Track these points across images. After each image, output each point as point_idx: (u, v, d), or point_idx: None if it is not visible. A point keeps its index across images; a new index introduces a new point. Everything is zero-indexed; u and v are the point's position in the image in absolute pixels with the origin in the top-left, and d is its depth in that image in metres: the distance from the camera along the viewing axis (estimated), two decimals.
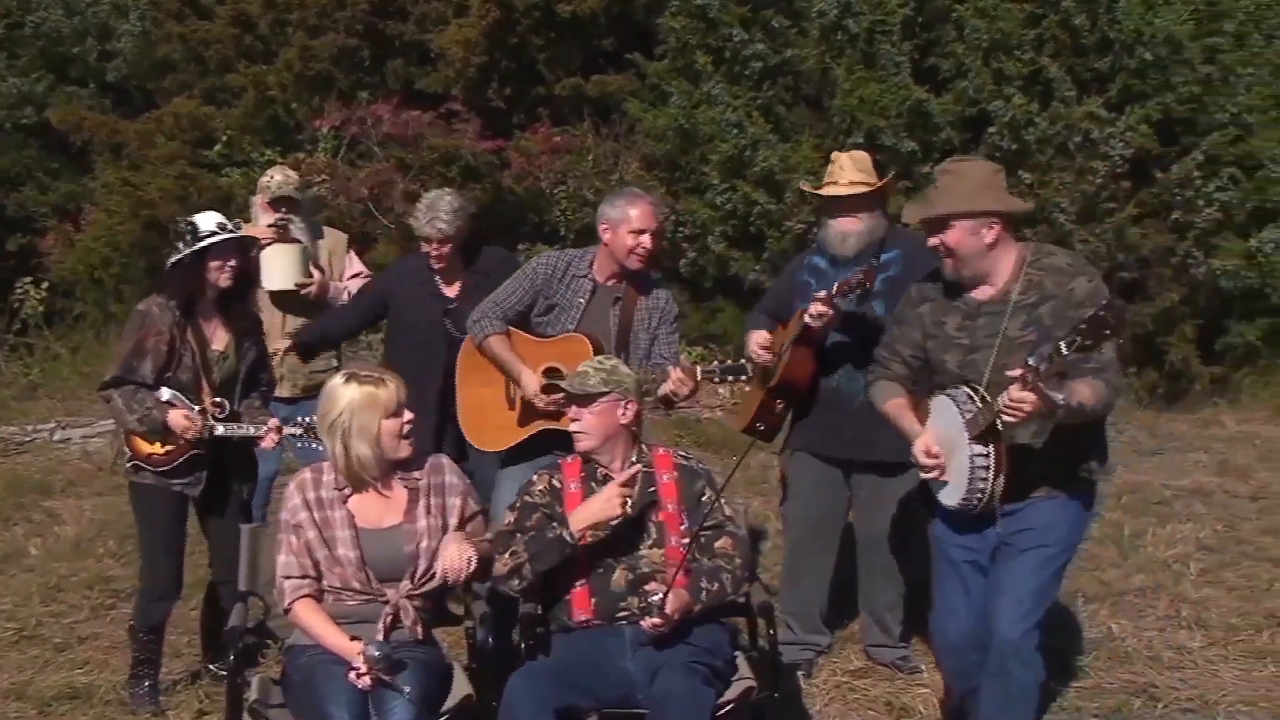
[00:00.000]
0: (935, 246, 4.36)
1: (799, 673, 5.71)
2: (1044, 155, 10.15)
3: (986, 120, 10.26)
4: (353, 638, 4.26)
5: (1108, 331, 3.77)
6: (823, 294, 5.26)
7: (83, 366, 12.23)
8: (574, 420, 4.66)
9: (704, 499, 4.67)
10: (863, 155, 5.69)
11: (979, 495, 4.25)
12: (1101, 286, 4.26)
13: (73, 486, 8.98)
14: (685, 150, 11.15)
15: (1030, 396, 3.94)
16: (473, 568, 4.43)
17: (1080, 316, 3.93)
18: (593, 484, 4.64)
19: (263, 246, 6.34)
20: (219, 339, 5.45)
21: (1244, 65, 10.57)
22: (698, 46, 11.11)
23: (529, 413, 5.55)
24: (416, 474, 4.58)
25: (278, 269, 6.54)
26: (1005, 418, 4.01)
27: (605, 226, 5.51)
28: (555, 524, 4.50)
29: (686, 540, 4.57)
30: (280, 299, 6.61)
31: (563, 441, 5.44)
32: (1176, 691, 5.57)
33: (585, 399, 4.64)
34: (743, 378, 5.42)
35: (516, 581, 4.53)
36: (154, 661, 5.59)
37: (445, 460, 4.70)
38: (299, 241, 6.65)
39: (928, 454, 4.37)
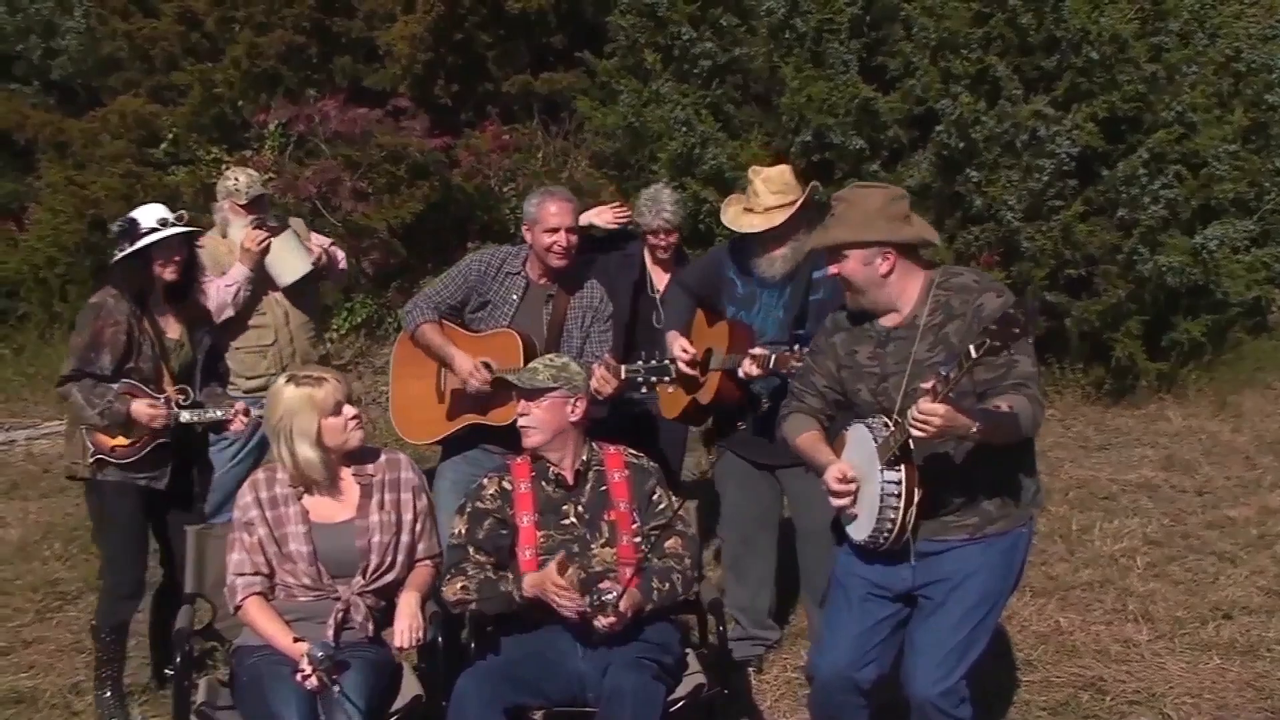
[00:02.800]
0: (833, 275, 4.25)
1: (749, 669, 5.73)
2: (991, 153, 10.19)
3: (934, 118, 10.29)
4: (297, 638, 4.24)
5: (1017, 330, 3.52)
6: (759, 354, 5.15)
7: (27, 367, 12.11)
8: (522, 415, 4.67)
9: (654, 497, 4.68)
10: (778, 173, 5.46)
11: (889, 526, 4.05)
12: (1010, 301, 4.05)
13: (17, 489, 8.88)
14: (634, 148, 11.13)
15: (940, 408, 3.72)
16: (424, 640, 4.44)
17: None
18: (543, 483, 4.65)
19: (264, 246, 6.45)
20: (172, 329, 5.43)
21: (1188, 64, 10.66)
22: (647, 45, 11.09)
23: (458, 406, 5.58)
24: (370, 469, 4.58)
25: (290, 260, 6.57)
26: (914, 432, 3.79)
27: (525, 226, 5.58)
28: (509, 573, 4.52)
29: (639, 539, 4.58)
30: (293, 290, 6.64)
31: (491, 434, 5.47)
32: (1124, 684, 5.62)
33: (533, 393, 4.64)
34: (666, 379, 5.37)
35: (462, 611, 4.55)
36: (118, 662, 5.50)
37: (402, 456, 4.70)
38: (288, 228, 6.68)
39: (842, 480, 4.14)
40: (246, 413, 5.36)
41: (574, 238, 5.54)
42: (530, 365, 4.76)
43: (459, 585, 4.51)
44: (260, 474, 4.58)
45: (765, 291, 5.51)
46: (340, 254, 7.09)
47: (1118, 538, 7.43)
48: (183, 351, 5.45)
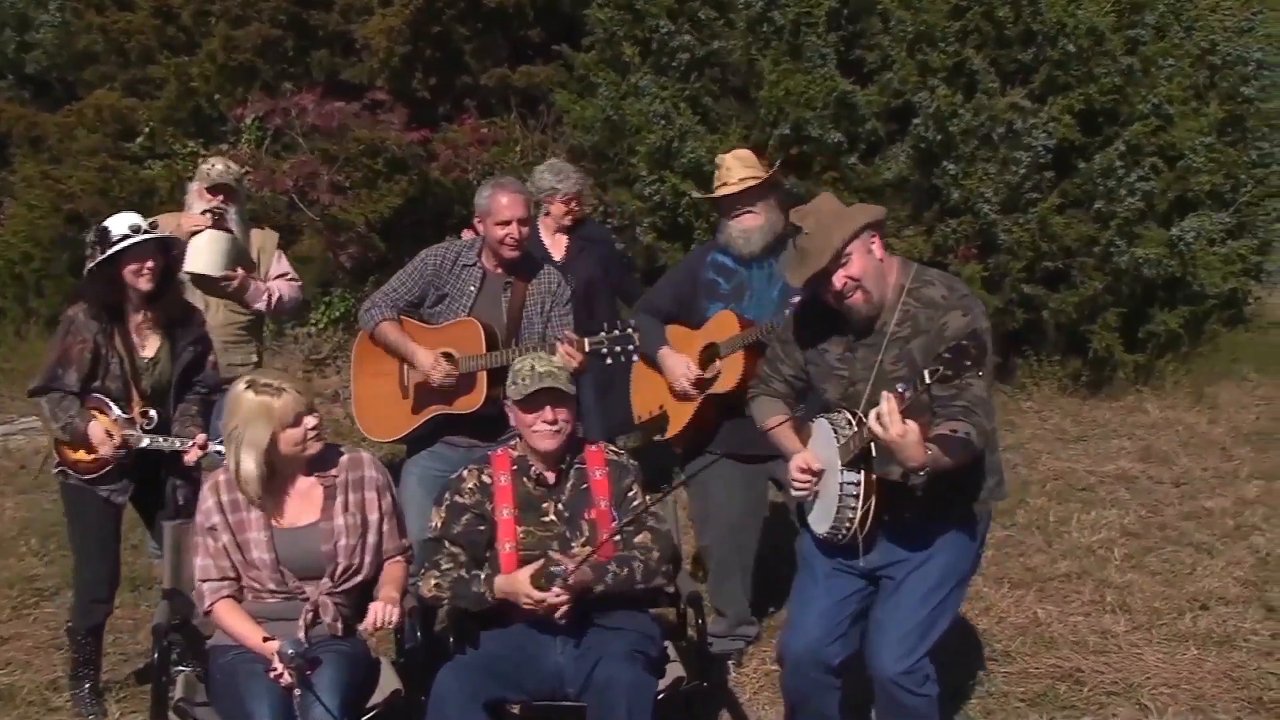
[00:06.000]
0: (843, 286, 4.11)
1: (729, 662, 5.73)
2: (968, 146, 10.21)
3: (911, 112, 10.30)
4: (268, 637, 4.22)
5: (969, 362, 3.65)
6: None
7: (2, 363, 12.04)
8: (550, 423, 4.53)
9: (630, 494, 4.65)
10: (746, 153, 5.73)
11: (847, 524, 4.11)
12: (976, 321, 4.08)
13: None
14: (613, 141, 11.13)
15: (900, 424, 3.77)
16: (393, 625, 4.43)
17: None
18: (524, 479, 4.61)
19: (193, 234, 6.34)
20: (150, 344, 5.32)
21: (1164, 56, 10.69)
22: (625, 38, 11.09)
23: (422, 399, 5.55)
24: (333, 471, 4.53)
25: (205, 253, 6.43)
26: (874, 426, 3.80)
27: (477, 218, 5.56)
28: (480, 573, 4.49)
29: (618, 537, 4.56)
30: (201, 283, 6.52)
31: (456, 428, 5.44)
32: (1101, 675, 5.63)
33: (569, 398, 4.58)
34: (630, 347, 5.29)
35: (437, 606, 4.55)
36: (94, 663, 5.48)
37: (364, 455, 4.65)
38: (231, 231, 6.54)
39: (804, 470, 4.20)
40: (203, 446, 5.23)
41: (526, 229, 5.53)
42: (545, 369, 4.57)
43: (433, 583, 4.50)
44: (221, 476, 4.51)
45: (753, 273, 5.52)
46: (285, 295, 6.87)
47: (1095, 529, 7.45)
48: (156, 370, 5.33)
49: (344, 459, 4.58)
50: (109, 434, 5.15)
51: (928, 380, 3.72)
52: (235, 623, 4.36)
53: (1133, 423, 10.05)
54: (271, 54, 12.73)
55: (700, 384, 5.56)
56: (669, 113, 10.54)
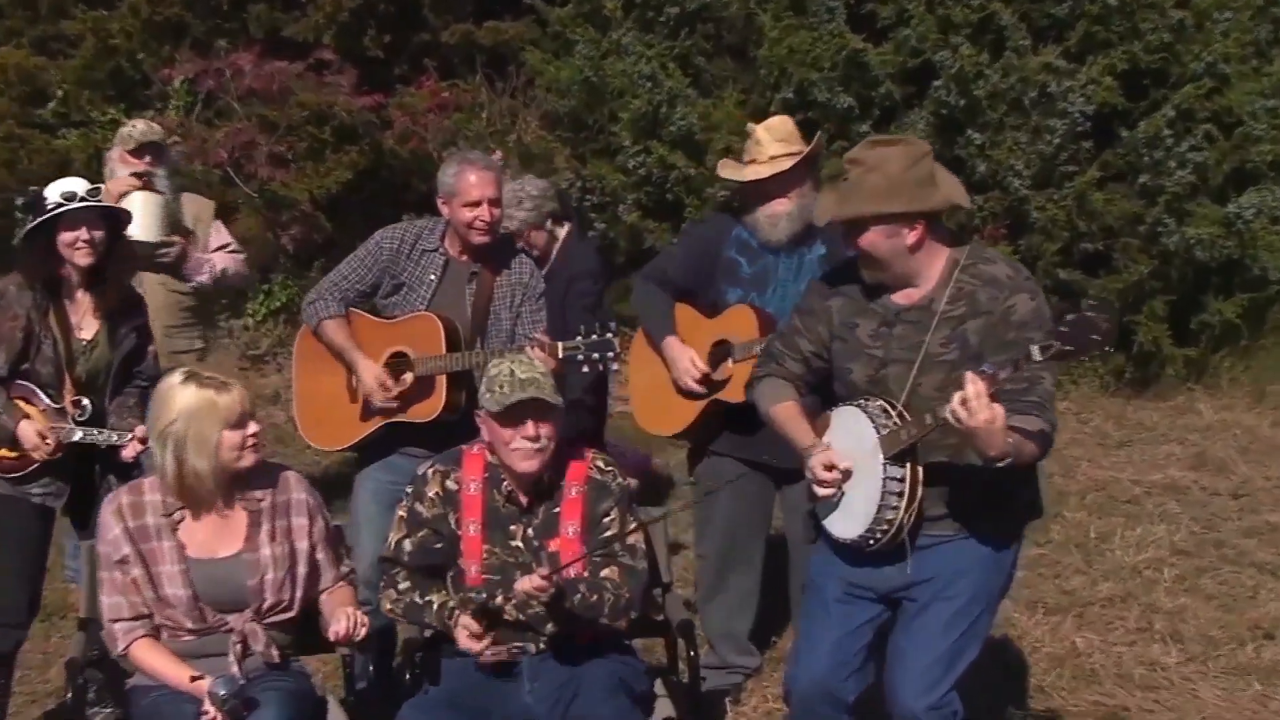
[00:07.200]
0: (847, 246, 4.17)
1: (726, 699, 5.70)
2: (996, 112, 10.22)
3: (931, 73, 10.30)
4: (196, 676, 4.15)
5: (1098, 337, 3.55)
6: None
7: None
8: (533, 440, 4.38)
9: (605, 520, 4.55)
10: (780, 122, 5.61)
11: (885, 527, 4.05)
12: (1044, 308, 4.04)
13: None
14: (592, 107, 11.13)
15: (988, 408, 3.66)
16: (362, 636, 4.33)
17: (1022, 335, 3.80)
18: (495, 491, 4.53)
19: (123, 195, 6.33)
20: (88, 326, 5.30)
21: (1220, 9, 10.69)
22: None
23: (372, 404, 5.48)
24: (259, 494, 4.44)
25: (137, 217, 6.41)
26: (953, 413, 3.70)
27: (442, 200, 5.49)
28: (434, 599, 4.43)
29: (586, 572, 4.47)
30: (158, 269, 6.55)
31: (411, 436, 5.39)
32: (1150, 714, 5.64)
33: (553, 411, 4.44)
34: (610, 354, 5.16)
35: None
36: (2, 697, 5.45)
37: (291, 475, 4.54)
38: (164, 194, 6.55)
39: (829, 468, 4.12)
40: (143, 440, 5.12)
41: (497, 210, 5.47)
42: (528, 376, 4.41)
43: (387, 606, 4.48)
44: (124, 498, 4.40)
45: (781, 261, 5.49)
46: (229, 268, 6.90)
47: (1142, 547, 7.45)
48: (94, 354, 5.31)
49: (270, 478, 4.48)
50: (43, 436, 5.11)
51: (1038, 357, 3.63)
52: (157, 663, 4.29)
53: (1184, 425, 10.07)
54: (203, 7, 12.70)
55: (708, 384, 5.53)
56: (656, 74, 10.54)
